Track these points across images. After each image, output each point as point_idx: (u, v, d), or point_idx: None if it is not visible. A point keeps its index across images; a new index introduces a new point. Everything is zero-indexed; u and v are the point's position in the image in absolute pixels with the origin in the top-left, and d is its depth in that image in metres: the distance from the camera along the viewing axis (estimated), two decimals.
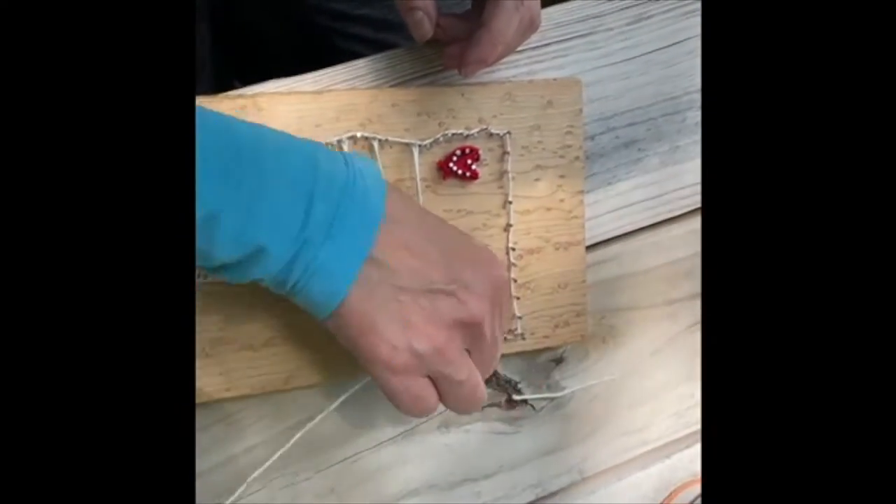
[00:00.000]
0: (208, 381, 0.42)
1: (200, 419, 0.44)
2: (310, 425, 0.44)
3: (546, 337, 0.48)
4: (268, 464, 0.43)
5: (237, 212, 0.33)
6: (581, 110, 0.47)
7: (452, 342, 0.38)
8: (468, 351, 0.40)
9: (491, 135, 0.45)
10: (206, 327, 0.41)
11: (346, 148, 0.43)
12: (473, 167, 0.45)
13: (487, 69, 0.45)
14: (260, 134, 0.36)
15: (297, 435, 0.44)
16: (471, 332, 0.39)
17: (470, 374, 0.39)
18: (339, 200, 0.35)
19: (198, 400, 0.42)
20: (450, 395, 0.39)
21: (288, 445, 0.44)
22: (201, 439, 0.44)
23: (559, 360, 0.51)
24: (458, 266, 0.38)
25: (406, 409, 0.39)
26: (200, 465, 0.44)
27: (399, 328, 0.36)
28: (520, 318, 0.47)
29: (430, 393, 0.39)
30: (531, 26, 0.41)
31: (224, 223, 0.33)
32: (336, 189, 0.35)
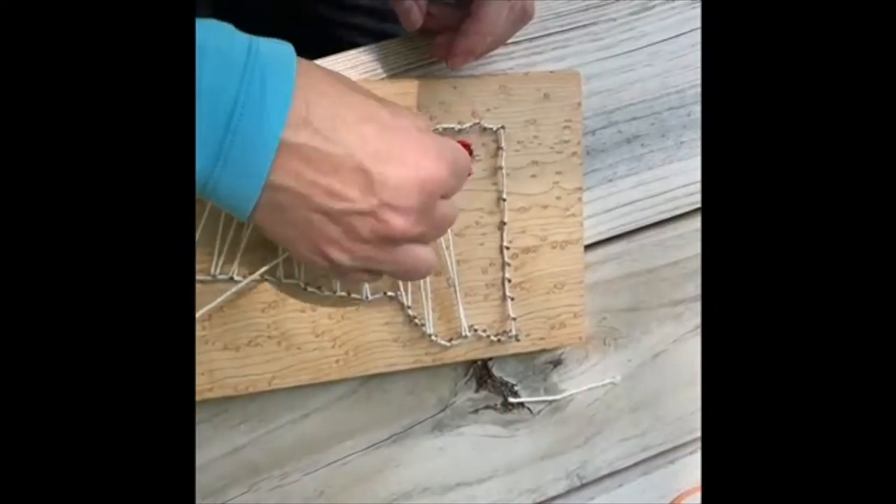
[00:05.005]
0: None
1: None
2: None
3: (542, 339, 0.46)
4: None
5: None
6: (580, 104, 0.45)
7: (375, 251, 0.36)
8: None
9: (484, 129, 0.44)
10: None
11: None
12: None
13: (482, 61, 0.44)
14: None
15: None
16: (396, 240, 0.37)
17: (401, 260, 0.37)
18: (227, 123, 0.32)
19: None
20: (391, 275, 0.39)
21: None
22: None
23: (557, 363, 0.49)
24: (378, 179, 0.35)
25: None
26: None
27: (314, 245, 0.35)
28: (514, 319, 0.45)
29: (368, 277, 0.39)
30: (524, 17, 0.40)
31: None
32: (222, 110, 0.32)
